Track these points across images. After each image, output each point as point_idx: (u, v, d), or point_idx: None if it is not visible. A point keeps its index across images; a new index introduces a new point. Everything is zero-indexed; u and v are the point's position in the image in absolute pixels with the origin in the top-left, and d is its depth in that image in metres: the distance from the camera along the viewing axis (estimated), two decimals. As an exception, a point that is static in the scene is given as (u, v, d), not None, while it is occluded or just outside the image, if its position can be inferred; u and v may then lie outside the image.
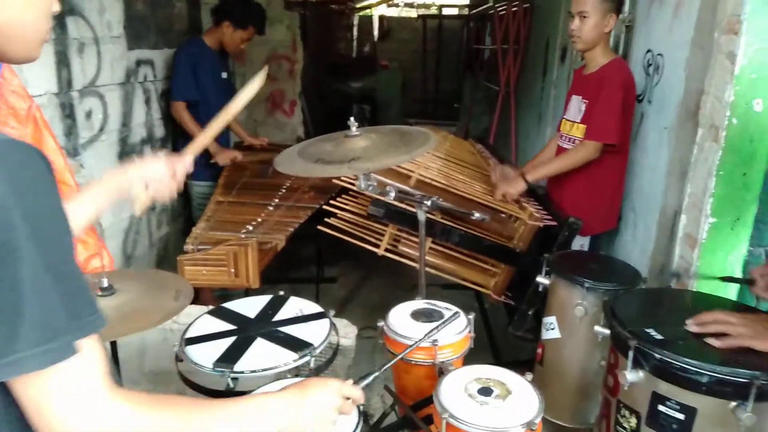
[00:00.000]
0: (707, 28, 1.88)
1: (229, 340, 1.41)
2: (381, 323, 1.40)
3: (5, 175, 0.58)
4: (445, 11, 10.87)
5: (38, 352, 0.59)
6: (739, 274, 1.81)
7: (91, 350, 0.63)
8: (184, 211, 3.41)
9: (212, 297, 2.85)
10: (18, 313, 0.58)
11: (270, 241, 2.25)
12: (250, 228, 2.37)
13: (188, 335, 1.44)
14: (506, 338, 2.71)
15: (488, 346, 2.82)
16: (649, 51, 2.48)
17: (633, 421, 1.35)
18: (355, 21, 9.22)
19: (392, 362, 1.18)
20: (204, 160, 3.12)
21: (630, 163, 2.50)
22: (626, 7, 2.78)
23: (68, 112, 2.40)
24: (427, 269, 2.32)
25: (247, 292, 2.69)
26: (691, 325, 1.29)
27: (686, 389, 1.22)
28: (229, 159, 3.13)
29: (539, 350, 1.89)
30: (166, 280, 1.61)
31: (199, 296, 2.63)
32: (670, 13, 2.28)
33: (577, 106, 2.45)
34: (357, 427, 1.13)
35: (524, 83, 5.24)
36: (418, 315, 1.41)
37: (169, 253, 3.27)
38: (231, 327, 1.47)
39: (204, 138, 1.31)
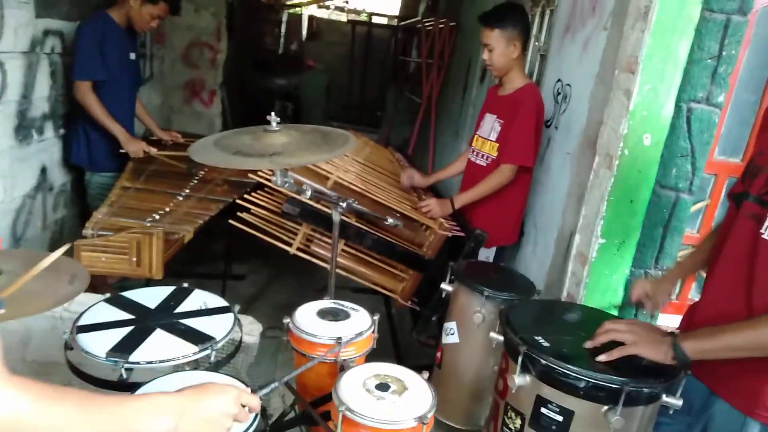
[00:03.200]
0: (610, 65, 2.06)
1: (125, 330, 1.35)
2: (287, 320, 1.40)
3: None
4: (375, 20, 11.01)
5: None
6: (621, 292, 1.98)
7: None
8: (81, 196, 3.18)
9: (111, 288, 2.70)
10: None
11: (177, 231, 2.18)
12: (157, 217, 2.27)
13: (81, 323, 1.36)
14: (410, 344, 2.79)
15: (393, 351, 2.89)
16: (559, 80, 2.66)
17: (518, 422, 1.44)
18: (284, 17, 9.11)
19: (296, 372, 1.19)
20: (108, 150, 2.91)
21: (536, 183, 2.67)
22: (542, 37, 2.97)
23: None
24: (338, 271, 2.35)
25: (148, 284, 2.58)
26: (588, 343, 1.37)
27: (566, 393, 1.31)
28: (142, 151, 2.91)
29: (438, 354, 1.96)
30: (59, 263, 1.50)
31: (92, 284, 2.47)
32: (580, 48, 2.46)
33: (490, 125, 2.58)
34: (253, 423, 1.12)
35: (445, 99, 5.41)
36: (324, 314, 1.43)
37: (64, 237, 3.06)
38: (129, 316, 1.42)
39: None
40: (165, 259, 2.11)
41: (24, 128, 2.67)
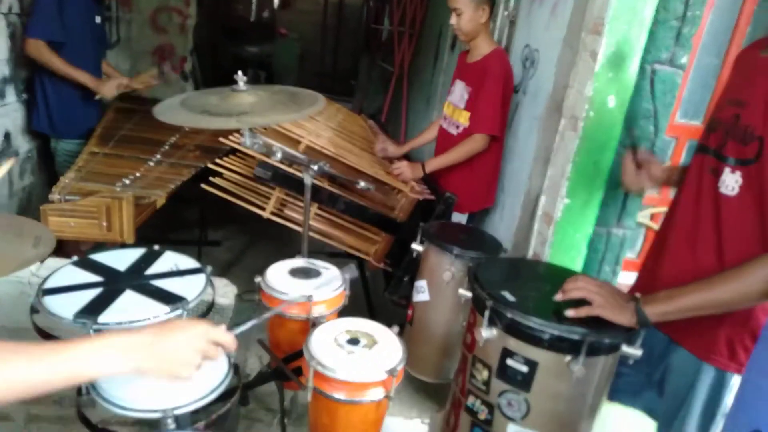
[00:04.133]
0: (577, 28, 2.08)
1: (93, 292, 1.35)
2: (258, 279, 1.42)
3: None
4: (348, -13, 10.77)
5: None
6: (584, 251, 2.04)
7: None
8: (48, 168, 3.11)
9: (84, 255, 2.66)
10: None
11: (148, 196, 2.16)
12: (127, 182, 2.25)
13: (47, 285, 1.35)
14: (385, 305, 2.84)
15: (367, 312, 2.94)
16: (527, 46, 2.67)
17: (485, 373, 1.49)
18: (256, -16, 8.86)
19: (271, 313, 1.20)
20: (72, 114, 2.83)
21: (504, 148, 2.70)
22: (511, 3, 2.97)
23: None
24: (312, 234, 2.37)
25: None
26: (558, 296, 1.41)
27: (530, 345, 1.36)
28: (115, 88, 2.81)
29: (410, 312, 2.01)
30: (23, 225, 1.48)
31: (65, 251, 2.45)
32: (547, 12, 2.47)
33: (460, 92, 2.60)
34: (225, 378, 1.14)
35: (417, 67, 5.39)
36: (296, 272, 1.45)
37: (32, 204, 2.99)
38: (97, 278, 1.41)
39: None
40: (136, 224, 2.10)
41: (-17, 92, 2.59)
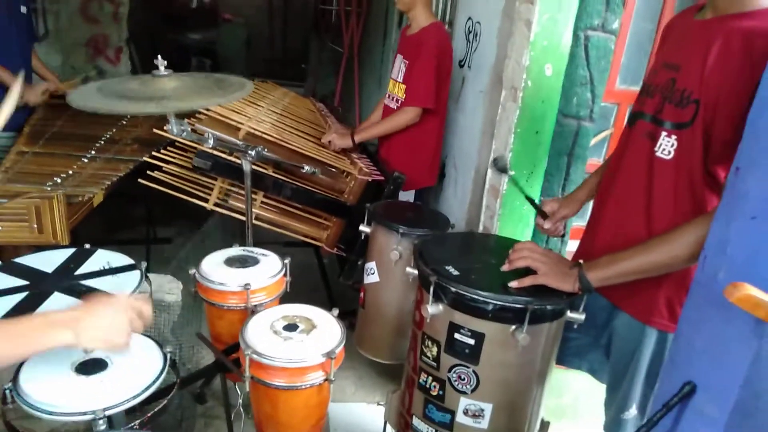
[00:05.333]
0: (514, -1, 2.07)
1: (18, 296, 1.28)
2: (192, 271, 1.37)
3: None
4: (294, -32, 10.53)
5: None
6: (531, 222, 2.05)
7: None
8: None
9: None
10: None
11: (82, 194, 2.06)
12: (58, 180, 2.14)
13: (-33, 293, 1.28)
14: (344, 291, 2.82)
15: (327, 300, 2.91)
16: (469, 19, 2.66)
17: (434, 349, 1.49)
18: (196, -32, 8.57)
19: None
20: None
21: (453, 123, 2.69)
22: (453, -25, 2.94)
23: None
24: (260, 224, 2.32)
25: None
26: (504, 267, 1.42)
27: (476, 317, 1.36)
28: (41, 93, 2.75)
29: (361, 294, 1.99)
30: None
31: (3, 258, 2.34)
32: (488, -16, 2.46)
33: (398, 66, 2.57)
34: (159, 375, 1.11)
35: (367, 47, 5.33)
36: (232, 261, 1.41)
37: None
38: (22, 282, 1.34)
39: None
40: (71, 224, 2.00)
41: None
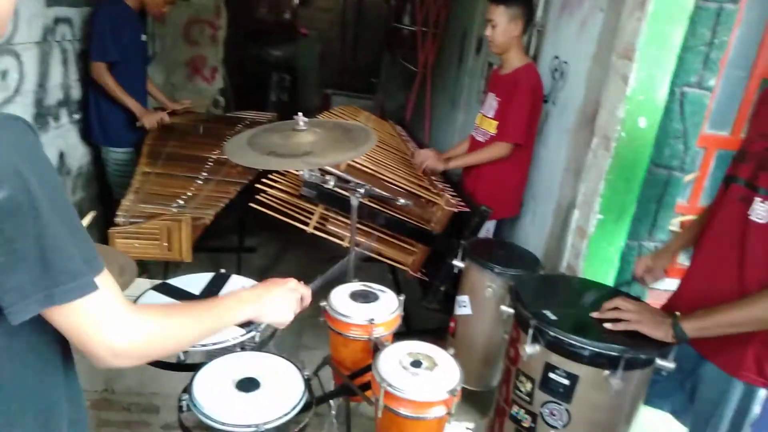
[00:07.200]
0: (607, 47, 2.16)
1: (178, 316, 1.49)
2: (323, 303, 1.56)
3: (14, 145, 0.67)
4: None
5: (64, 289, 0.71)
6: (617, 262, 2.15)
7: (107, 282, 0.78)
8: (97, 177, 3.30)
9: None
10: (44, 260, 0.69)
11: (202, 216, 2.31)
12: (182, 202, 2.40)
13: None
14: (415, 309, 2.96)
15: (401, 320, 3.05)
16: (556, 57, 2.76)
17: (528, 385, 1.61)
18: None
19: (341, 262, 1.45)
20: (122, 126, 3.07)
21: (534, 156, 2.80)
22: (539, 12, 3.04)
23: (-18, 72, 2.28)
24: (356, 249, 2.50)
25: (167, 267, 2.72)
26: (595, 314, 1.53)
27: (572, 360, 1.47)
28: (156, 121, 3.10)
29: (452, 324, 2.14)
30: (107, 255, 1.63)
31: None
32: (576, 26, 2.55)
33: (490, 103, 2.71)
34: (303, 394, 1.28)
35: (440, 68, 5.46)
36: (356, 296, 1.58)
37: (81, 217, 3.18)
38: (178, 303, 1.55)
39: None
40: (192, 243, 2.25)
41: (41, 116, 2.76)
